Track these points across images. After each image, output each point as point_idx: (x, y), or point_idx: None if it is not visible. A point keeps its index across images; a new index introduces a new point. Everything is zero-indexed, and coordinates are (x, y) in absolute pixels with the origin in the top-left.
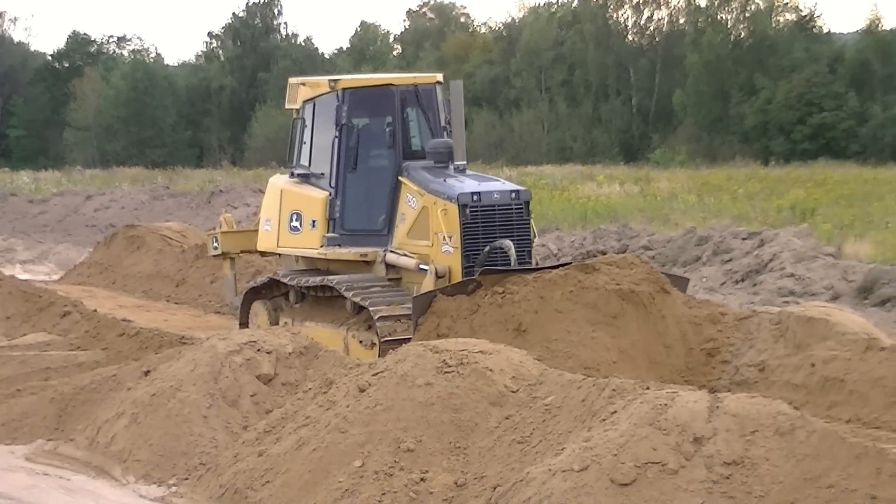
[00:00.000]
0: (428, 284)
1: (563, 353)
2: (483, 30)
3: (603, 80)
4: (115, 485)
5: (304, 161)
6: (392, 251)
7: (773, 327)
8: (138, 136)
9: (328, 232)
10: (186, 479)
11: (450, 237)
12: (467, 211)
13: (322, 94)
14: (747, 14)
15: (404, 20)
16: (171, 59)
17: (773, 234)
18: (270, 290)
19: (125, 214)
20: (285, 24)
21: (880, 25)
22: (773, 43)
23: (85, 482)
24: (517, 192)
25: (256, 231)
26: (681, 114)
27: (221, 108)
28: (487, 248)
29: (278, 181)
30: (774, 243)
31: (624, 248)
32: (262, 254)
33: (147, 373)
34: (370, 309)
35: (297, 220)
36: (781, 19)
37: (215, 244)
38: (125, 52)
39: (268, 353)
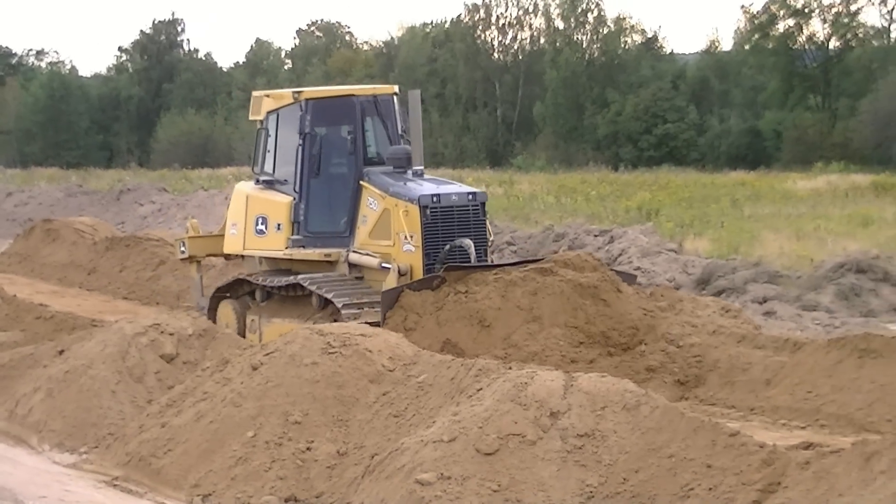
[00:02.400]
0: (391, 282)
1: (524, 348)
2: (365, 47)
3: (472, 93)
4: (32, 452)
5: (269, 168)
6: (355, 251)
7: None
8: (55, 140)
9: (293, 234)
10: (96, 447)
11: (411, 237)
12: (428, 212)
13: (285, 105)
14: (600, 36)
15: (294, 37)
16: (85, 71)
17: (621, 231)
18: (237, 290)
19: (42, 210)
20: (188, 40)
21: (719, 47)
22: (623, 62)
23: (4, 450)
24: (474, 194)
25: (222, 236)
26: (540, 124)
27: (130, 115)
28: (448, 247)
29: (244, 188)
30: (623, 240)
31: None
32: (227, 257)
33: (61, 352)
34: (334, 300)
35: (262, 224)
36: (629, 40)
37: (183, 248)
38: (43, 64)
39: (170, 334)
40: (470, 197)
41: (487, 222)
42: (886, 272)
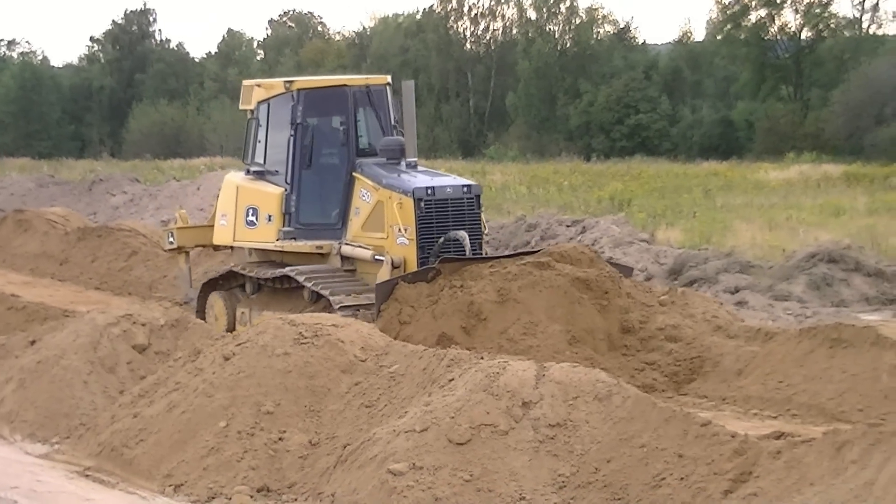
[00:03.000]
0: (384, 274)
1: (520, 342)
2: (337, 38)
3: (444, 83)
4: (3, 443)
5: (259, 159)
6: (347, 243)
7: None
8: (26, 130)
9: (284, 226)
10: (68, 437)
11: (405, 229)
12: (422, 204)
13: (277, 95)
14: (572, 26)
15: (267, 28)
16: (57, 61)
17: (594, 221)
18: (227, 282)
19: (14, 200)
20: (159, 30)
21: (691, 38)
22: (595, 52)
23: None
24: (469, 186)
25: (211, 226)
26: (513, 114)
27: (102, 106)
28: (442, 239)
29: (234, 178)
30: (595, 230)
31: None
32: (216, 248)
33: (33, 342)
34: (330, 298)
35: (253, 215)
36: (602, 31)
37: (171, 239)
38: (15, 55)
39: (142, 325)
40: (465, 189)
41: (482, 215)
42: (858, 262)
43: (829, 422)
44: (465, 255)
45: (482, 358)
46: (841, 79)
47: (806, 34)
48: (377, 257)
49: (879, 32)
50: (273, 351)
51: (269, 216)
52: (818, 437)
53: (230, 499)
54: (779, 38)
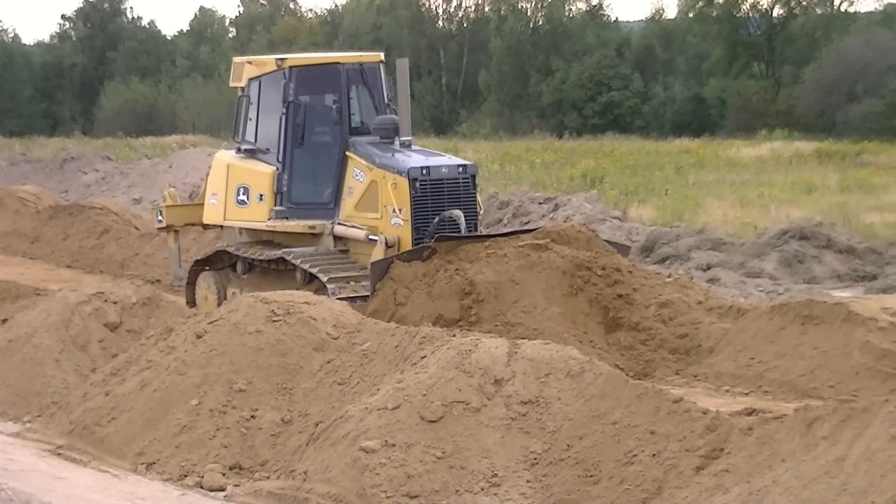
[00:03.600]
0: (378, 254)
1: (519, 325)
2: (310, 15)
3: (416, 61)
4: None
5: (250, 137)
6: (340, 223)
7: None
8: None
9: (275, 205)
10: (40, 416)
11: (400, 210)
12: (417, 184)
13: (268, 73)
14: (544, 3)
15: (239, 5)
16: (28, 39)
17: (566, 199)
18: (217, 262)
19: None
20: (131, 8)
21: (663, 15)
22: (567, 29)
23: None
24: (464, 166)
25: (200, 205)
26: (485, 92)
27: (73, 84)
28: (437, 219)
29: (224, 156)
30: (567, 207)
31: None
32: (205, 227)
33: (4, 321)
34: (321, 277)
35: (244, 194)
36: (574, 8)
37: (160, 217)
38: None
39: (114, 303)
40: (460, 169)
41: (478, 195)
42: (829, 239)
43: (801, 398)
44: (460, 233)
45: (454, 335)
46: (813, 56)
47: (778, 11)
48: (371, 237)
49: (851, 10)
50: (245, 329)
51: (261, 195)
52: (789, 414)
53: (202, 477)
54: (751, 15)
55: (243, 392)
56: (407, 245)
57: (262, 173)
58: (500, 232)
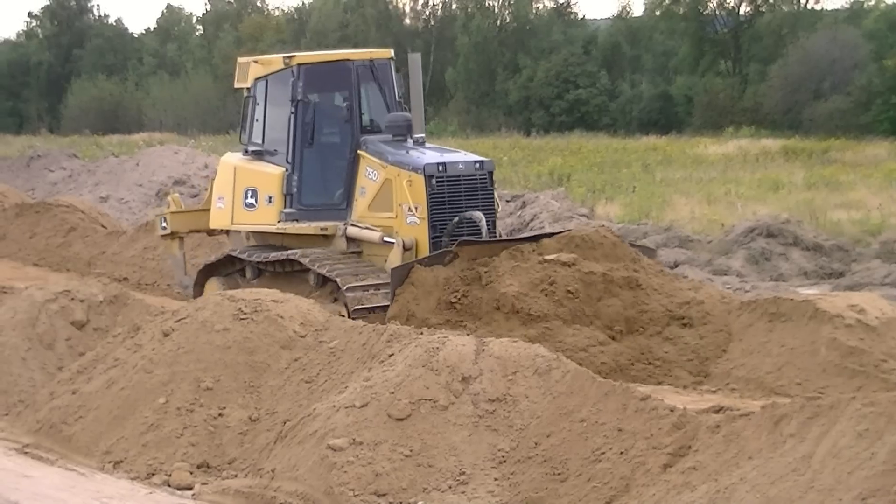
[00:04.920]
0: (395, 257)
1: (552, 340)
2: (277, 13)
3: None
4: None
5: (258, 138)
6: (353, 224)
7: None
8: None
9: (285, 207)
10: (6, 414)
11: (416, 208)
12: (433, 181)
13: (275, 71)
14: (511, 1)
15: (205, 3)
16: None
17: (533, 196)
18: (225, 267)
19: None
20: (98, 5)
21: (630, 13)
22: (534, 27)
23: None
24: (481, 162)
25: (205, 210)
26: (452, 89)
27: (40, 81)
28: (456, 219)
29: (231, 159)
30: (535, 205)
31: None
32: (211, 233)
33: None
34: (338, 281)
35: (252, 197)
36: (541, 6)
37: (164, 224)
38: None
39: (81, 301)
40: (477, 165)
41: (496, 192)
42: (796, 236)
43: (768, 395)
44: (481, 236)
45: (421, 333)
46: (779, 53)
47: (744, 9)
48: (386, 239)
49: (818, 7)
50: (212, 327)
51: (270, 197)
52: (756, 412)
53: (170, 475)
54: (717, 12)
55: (210, 390)
56: (424, 244)
57: (270, 175)
58: (523, 236)
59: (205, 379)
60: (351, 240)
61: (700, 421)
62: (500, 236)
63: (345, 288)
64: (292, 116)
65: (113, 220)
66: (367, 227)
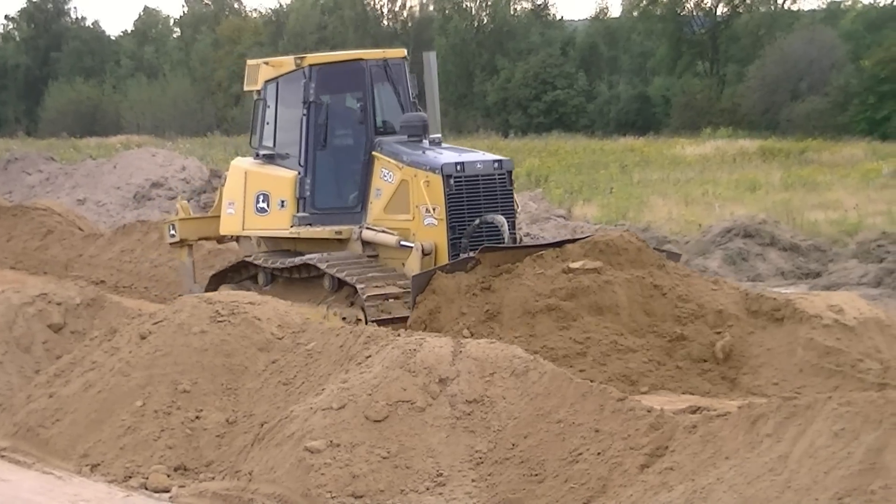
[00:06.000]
0: (413, 262)
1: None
2: (254, 15)
3: None
4: None
5: (268, 142)
6: (369, 228)
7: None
8: None
9: (298, 211)
10: None
11: (434, 209)
12: (451, 182)
13: (286, 73)
14: (489, 3)
15: (183, 5)
16: None
17: None
18: (237, 274)
19: None
20: (75, 8)
21: (608, 14)
22: (512, 28)
23: None
24: (500, 161)
25: (215, 217)
26: None
27: (17, 84)
28: (477, 222)
29: (241, 163)
30: None
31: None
32: (221, 240)
33: None
34: (358, 287)
35: (264, 202)
36: (519, 7)
37: (172, 232)
38: None
39: (58, 304)
40: (496, 165)
41: (515, 193)
42: (773, 236)
43: (745, 396)
44: (502, 240)
45: (398, 335)
46: (756, 54)
47: (722, 10)
48: (403, 243)
49: (795, 8)
50: (190, 329)
51: (282, 201)
52: (733, 412)
53: (147, 478)
54: (695, 13)
55: (188, 393)
56: (442, 246)
57: (283, 178)
58: (546, 242)
59: (182, 381)
60: (366, 243)
61: (677, 421)
62: (520, 238)
63: (364, 297)
64: (304, 118)
65: (90, 223)
66: (383, 231)
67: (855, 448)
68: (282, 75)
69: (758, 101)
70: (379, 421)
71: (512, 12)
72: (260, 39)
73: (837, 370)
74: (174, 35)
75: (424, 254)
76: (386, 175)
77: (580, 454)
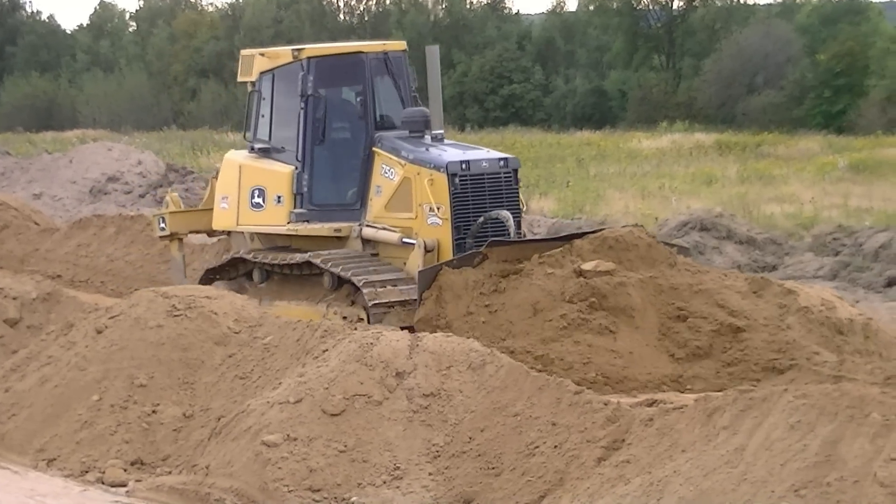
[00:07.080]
0: (415, 260)
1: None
2: (210, 9)
3: None
4: None
5: (264, 135)
6: (369, 225)
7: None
8: None
9: (295, 207)
10: None
11: (438, 208)
12: (456, 180)
13: (283, 65)
14: None
15: None
16: None
17: None
18: (231, 270)
19: None
20: (30, 2)
21: (564, 8)
22: (468, 22)
23: None
24: (505, 159)
25: (206, 211)
26: None
27: None
28: (482, 219)
29: (235, 157)
30: None
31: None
32: (211, 234)
33: None
34: (359, 285)
35: (259, 197)
36: (475, 1)
37: (162, 225)
38: None
39: (14, 298)
40: (501, 163)
41: (521, 191)
42: (730, 230)
43: (702, 389)
44: (508, 236)
45: (355, 328)
46: (713, 48)
47: (678, 4)
48: (405, 240)
49: (750, 1)
50: (146, 323)
51: (279, 197)
52: (690, 405)
53: (104, 472)
54: (651, 7)
55: (144, 387)
56: (446, 246)
57: (279, 173)
58: (555, 236)
59: (138, 376)
60: (366, 241)
61: (633, 414)
62: (526, 236)
63: (369, 300)
64: (302, 112)
65: (46, 218)
66: (384, 228)
67: (811, 440)
68: (278, 67)
69: (714, 94)
70: (336, 415)
71: (468, 6)
72: (216, 34)
73: (793, 363)
74: (130, 29)
75: (427, 250)
76: (387, 172)
77: (537, 447)
